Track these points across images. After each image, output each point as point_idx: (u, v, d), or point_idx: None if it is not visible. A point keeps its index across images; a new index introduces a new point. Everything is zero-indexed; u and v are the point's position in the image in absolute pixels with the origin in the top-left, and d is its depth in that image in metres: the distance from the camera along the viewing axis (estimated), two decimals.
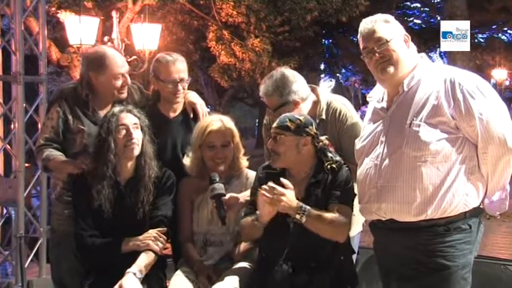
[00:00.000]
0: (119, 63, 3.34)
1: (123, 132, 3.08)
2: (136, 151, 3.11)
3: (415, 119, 2.59)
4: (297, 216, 2.78)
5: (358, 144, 2.85)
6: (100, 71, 3.31)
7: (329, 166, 2.91)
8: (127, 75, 3.36)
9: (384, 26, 2.68)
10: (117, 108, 3.14)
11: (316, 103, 3.32)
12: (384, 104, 2.77)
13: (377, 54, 2.67)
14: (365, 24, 2.72)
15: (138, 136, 3.11)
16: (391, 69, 2.67)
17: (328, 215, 2.82)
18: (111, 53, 3.36)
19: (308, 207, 2.79)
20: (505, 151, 2.56)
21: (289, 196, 2.78)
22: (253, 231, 2.95)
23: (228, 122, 3.26)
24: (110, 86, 3.32)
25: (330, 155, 2.94)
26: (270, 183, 2.79)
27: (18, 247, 5.00)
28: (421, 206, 2.57)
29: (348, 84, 25.84)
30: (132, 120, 3.12)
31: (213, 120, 3.26)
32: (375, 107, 2.83)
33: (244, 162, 3.31)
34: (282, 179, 2.82)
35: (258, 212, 2.86)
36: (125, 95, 3.38)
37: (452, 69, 2.72)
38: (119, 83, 3.32)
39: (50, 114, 3.35)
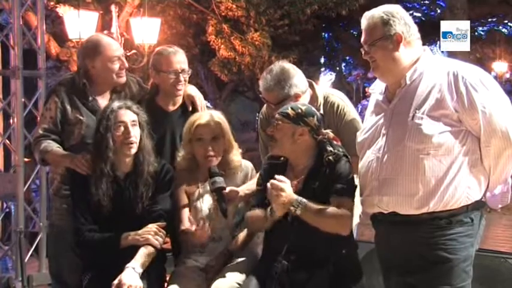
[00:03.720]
0: (113, 46, 3.35)
1: (122, 129, 3.07)
2: (134, 149, 3.10)
3: (417, 111, 2.58)
4: (292, 209, 2.77)
5: (360, 136, 2.84)
6: (95, 57, 3.30)
7: (327, 159, 2.90)
8: (123, 58, 3.36)
9: (376, 25, 2.65)
10: (116, 104, 3.11)
11: (313, 98, 3.30)
12: (386, 96, 2.75)
13: (367, 55, 2.68)
14: (363, 19, 2.71)
15: (136, 134, 3.10)
16: (377, 71, 2.69)
17: (328, 209, 2.79)
18: (104, 39, 3.38)
19: (305, 200, 2.77)
20: (507, 144, 2.54)
21: (287, 190, 2.77)
22: (262, 224, 2.94)
23: (218, 117, 3.22)
24: (107, 70, 3.31)
25: (329, 148, 2.92)
26: (272, 180, 2.78)
27: (18, 242, 5.00)
28: (423, 199, 2.56)
29: (352, 79, 25.78)
30: (130, 118, 3.10)
31: (202, 115, 3.24)
32: (377, 100, 2.81)
33: (237, 158, 3.25)
34: (277, 176, 2.81)
35: (272, 207, 2.84)
36: (124, 78, 3.37)
37: (455, 62, 2.70)
38: (116, 66, 3.31)
39: (48, 105, 3.34)
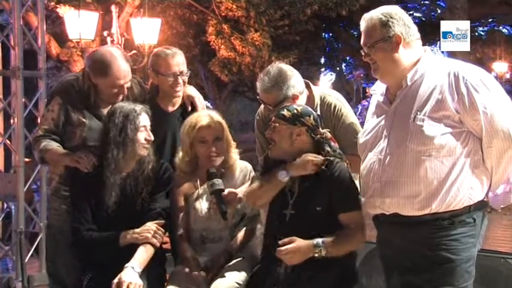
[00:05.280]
0: (121, 75, 3.26)
1: (144, 132, 3.14)
2: (147, 151, 3.16)
3: (419, 113, 2.57)
4: (316, 255, 2.76)
5: (362, 138, 2.83)
6: (99, 77, 3.27)
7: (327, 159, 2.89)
8: (126, 85, 3.31)
9: (375, 26, 2.64)
10: (136, 108, 3.16)
11: (309, 98, 3.30)
12: (387, 98, 2.75)
13: (367, 57, 2.68)
14: (362, 21, 2.70)
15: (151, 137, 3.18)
16: (377, 72, 2.69)
17: (343, 234, 2.81)
18: (116, 63, 3.25)
19: (321, 239, 2.76)
20: (509, 145, 2.54)
21: (300, 246, 2.75)
22: (266, 192, 2.93)
23: (217, 116, 3.23)
24: (106, 91, 3.30)
25: (327, 148, 2.91)
26: (278, 250, 2.75)
27: (19, 242, 5.00)
28: (426, 200, 2.55)
29: (352, 77, 25.77)
30: (149, 122, 3.17)
31: (202, 116, 3.23)
32: (378, 101, 2.80)
33: (235, 155, 3.28)
34: (280, 242, 2.76)
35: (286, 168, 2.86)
36: (120, 98, 3.34)
37: (456, 62, 2.69)
38: (114, 91, 3.30)
39: (50, 106, 3.33)
